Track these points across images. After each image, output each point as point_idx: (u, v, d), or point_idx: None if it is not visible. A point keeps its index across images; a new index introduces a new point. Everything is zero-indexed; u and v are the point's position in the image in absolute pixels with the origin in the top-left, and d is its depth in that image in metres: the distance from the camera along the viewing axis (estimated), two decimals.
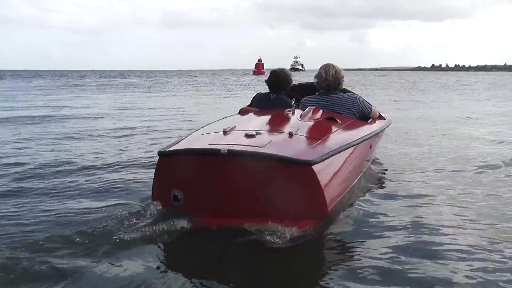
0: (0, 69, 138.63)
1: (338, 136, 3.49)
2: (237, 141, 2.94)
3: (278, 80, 4.82)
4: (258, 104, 4.80)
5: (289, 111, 3.94)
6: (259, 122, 3.82)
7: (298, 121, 3.66)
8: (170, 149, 3.12)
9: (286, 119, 3.78)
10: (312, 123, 3.66)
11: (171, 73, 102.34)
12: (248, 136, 3.06)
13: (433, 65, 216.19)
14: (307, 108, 3.99)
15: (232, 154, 2.73)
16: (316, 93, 4.41)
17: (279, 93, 4.80)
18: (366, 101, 4.50)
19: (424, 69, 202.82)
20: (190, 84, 37.05)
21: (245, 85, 35.06)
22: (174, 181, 3.01)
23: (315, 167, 2.73)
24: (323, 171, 2.88)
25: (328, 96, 4.28)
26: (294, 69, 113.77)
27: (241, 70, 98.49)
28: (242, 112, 4.47)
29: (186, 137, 3.53)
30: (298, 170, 2.74)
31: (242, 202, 2.86)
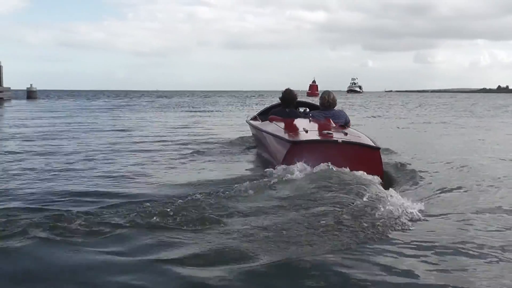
0: (72, 89, 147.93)
1: (357, 134, 6.04)
2: (330, 136, 5.40)
3: (290, 97, 7.35)
4: (277, 115, 7.09)
5: (310, 120, 6.49)
6: (309, 125, 6.06)
7: (330, 125, 6.20)
8: (295, 139, 5.54)
9: (323, 124, 6.25)
10: (338, 127, 6.18)
11: (231, 93, 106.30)
12: (328, 134, 5.47)
13: (499, 86, 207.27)
14: (324, 118, 6.53)
15: (344, 143, 5.28)
16: (320, 108, 6.86)
17: (291, 107, 7.31)
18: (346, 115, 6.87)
19: (490, 90, 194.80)
20: (240, 104, 38.17)
21: None
22: (299, 157, 5.10)
23: (380, 151, 5.47)
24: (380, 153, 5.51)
25: (330, 111, 6.68)
26: (351, 90, 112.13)
27: (296, 91, 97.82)
28: (272, 119, 6.96)
29: (282, 134, 6.03)
30: (374, 152, 5.36)
31: (343, 161, 5.00)
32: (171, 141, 10.02)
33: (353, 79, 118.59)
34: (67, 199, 4.52)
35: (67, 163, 6.86)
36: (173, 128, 13.92)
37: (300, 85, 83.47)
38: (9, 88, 43.60)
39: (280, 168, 5.10)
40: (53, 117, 19.72)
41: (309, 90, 78.31)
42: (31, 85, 47.56)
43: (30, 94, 46.43)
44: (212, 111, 26.59)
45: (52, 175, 5.90)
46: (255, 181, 4.77)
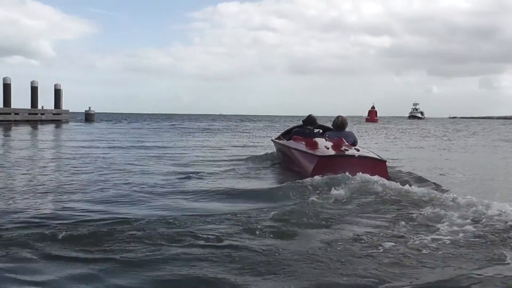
0: (137, 112, 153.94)
1: (367, 150, 7.65)
2: (348, 152, 6.81)
3: (311, 120, 8.92)
4: (298, 134, 8.67)
5: (326, 139, 7.74)
6: (327, 144, 7.37)
7: (343, 143, 7.32)
8: (321, 154, 6.86)
9: (337, 143, 7.40)
10: (349, 145, 7.32)
11: (294, 118, 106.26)
12: (346, 150, 6.91)
13: None
14: (337, 137, 7.72)
15: (359, 157, 6.67)
16: (333, 129, 8.43)
17: (311, 128, 8.84)
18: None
19: None
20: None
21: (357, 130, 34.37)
22: (323, 169, 6.32)
23: (386, 163, 6.90)
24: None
25: (341, 132, 8.13)
26: (412, 116, 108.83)
27: (356, 117, 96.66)
28: (296, 138, 8.52)
29: (309, 150, 7.27)
30: (382, 163, 6.73)
31: (358, 171, 6.06)
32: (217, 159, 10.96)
33: (414, 104, 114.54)
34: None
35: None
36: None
37: (361, 111, 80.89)
38: (68, 110, 44.95)
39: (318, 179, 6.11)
40: (95, 139, 19.38)
41: (368, 116, 75.65)
42: (89, 108, 48.71)
43: (88, 117, 47.48)
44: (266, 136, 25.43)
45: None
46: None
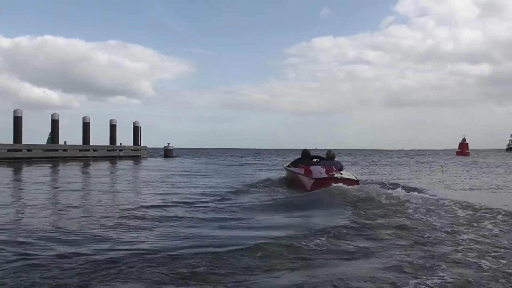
0: (240, 148, 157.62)
1: (348, 173, 11.61)
2: (334, 175, 10.63)
3: (307, 153, 13.80)
4: (301, 163, 12.87)
5: (321, 166, 11.70)
6: (321, 169, 11.20)
7: (332, 169, 11.06)
8: (316, 177, 10.70)
9: (328, 169, 11.07)
10: (337, 170, 11.16)
11: (387, 152, 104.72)
12: (333, 174, 10.72)
13: None
14: (329, 166, 11.48)
15: (341, 178, 10.54)
16: (325, 159, 12.72)
17: (307, 159, 13.27)
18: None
19: None
20: (385, 164, 34.50)
21: (441, 165, 32.23)
22: (318, 186, 10.13)
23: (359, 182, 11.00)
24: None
25: (332, 161, 12.13)
26: (510, 149, 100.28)
27: (450, 150, 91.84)
28: (300, 166, 12.80)
29: (310, 174, 11.29)
30: (356, 181, 10.66)
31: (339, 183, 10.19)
32: None
33: None
34: None
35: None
36: None
37: (454, 144, 75.36)
38: (146, 147, 46.05)
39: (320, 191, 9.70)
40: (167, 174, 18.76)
41: (458, 149, 70.13)
42: (168, 144, 49.73)
43: (167, 153, 48.37)
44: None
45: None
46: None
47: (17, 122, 32.23)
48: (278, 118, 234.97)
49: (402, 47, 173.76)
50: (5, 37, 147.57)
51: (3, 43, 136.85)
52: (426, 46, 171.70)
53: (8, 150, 30.50)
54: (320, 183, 10.30)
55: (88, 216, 7.53)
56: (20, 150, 31.42)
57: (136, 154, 43.14)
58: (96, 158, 36.34)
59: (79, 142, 37.66)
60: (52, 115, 35.98)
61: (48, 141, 37.46)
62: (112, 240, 5.61)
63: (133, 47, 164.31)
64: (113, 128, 40.56)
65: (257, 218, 7.36)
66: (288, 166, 14.47)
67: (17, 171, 21.80)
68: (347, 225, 6.39)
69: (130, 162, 33.21)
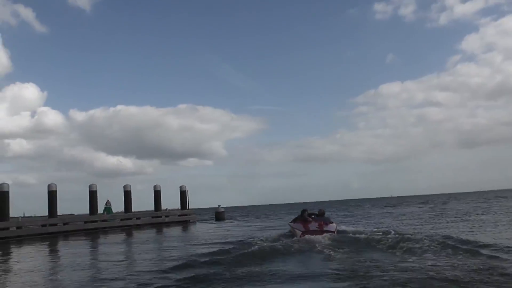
0: (308, 201, 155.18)
1: (332, 225, 17.07)
2: (322, 228, 16.24)
3: (305, 211, 18.26)
4: (300, 219, 17.85)
5: (315, 221, 17.05)
6: (312, 224, 16.72)
7: (322, 224, 16.68)
8: (303, 230, 16.17)
9: (318, 223, 16.68)
10: (324, 224, 16.74)
11: (469, 195, 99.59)
12: (318, 228, 16.27)
13: None
14: (319, 221, 17.07)
15: (322, 231, 15.97)
16: (317, 214, 18.27)
17: (305, 216, 17.82)
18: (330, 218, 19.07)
19: None
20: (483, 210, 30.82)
21: None
22: (307, 232, 16.03)
23: (336, 230, 16.68)
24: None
25: (322, 217, 17.78)
26: None
27: None
28: (301, 221, 17.51)
29: (298, 226, 16.97)
30: (333, 232, 16.10)
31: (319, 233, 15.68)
32: None
33: None
34: None
35: None
36: None
37: None
38: (192, 210, 44.83)
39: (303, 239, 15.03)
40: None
41: None
42: (219, 206, 48.26)
43: (218, 215, 46.90)
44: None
45: None
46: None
47: (92, 195, 34.73)
48: (351, 168, 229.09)
49: (471, 85, 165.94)
50: (80, 111, 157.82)
51: (78, 117, 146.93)
52: (495, 82, 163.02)
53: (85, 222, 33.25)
54: (307, 233, 15.65)
55: None
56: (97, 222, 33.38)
57: (184, 219, 42.05)
58: (140, 226, 35.59)
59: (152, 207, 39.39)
60: (125, 186, 37.53)
61: (108, 211, 37.66)
62: None
63: (203, 109, 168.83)
64: (157, 194, 40.02)
65: None
66: (291, 221, 19.21)
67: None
68: None
69: (178, 229, 32.02)
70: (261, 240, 15.96)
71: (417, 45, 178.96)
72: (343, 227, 19.09)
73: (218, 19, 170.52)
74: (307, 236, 15.10)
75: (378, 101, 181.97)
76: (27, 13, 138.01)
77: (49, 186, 31.56)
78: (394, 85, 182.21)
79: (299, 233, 15.98)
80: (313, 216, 18.00)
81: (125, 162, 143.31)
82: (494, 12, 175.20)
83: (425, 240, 12.27)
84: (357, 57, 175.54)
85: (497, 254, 9.96)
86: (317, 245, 13.31)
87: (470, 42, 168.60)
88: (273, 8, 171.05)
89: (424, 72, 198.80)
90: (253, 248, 13.05)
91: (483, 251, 10.37)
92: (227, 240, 18.24)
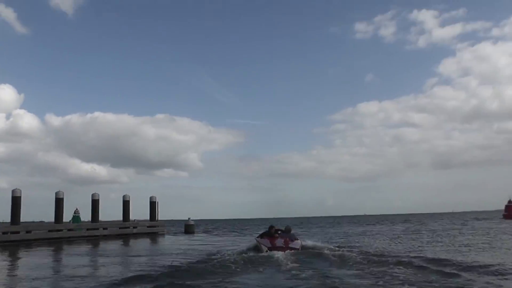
0: (289, 217, 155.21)
1: (298, 242, 17.88)
2: (287, 244, 16.96)
3: (272, 227, 18.86)
4: (266, 235, 18.50)
5: (282, 238, 17.78)
6: (277, 240, 17.33)
7: (287, 240, 17.32)
8: (269, 246, 16.88)
9: (284, 240, 17.38)
10: (289, 241, 17.41)
11: (441, 216, 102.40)
12: (284, 244, 16.90)
13: None
14: (285, 237, 17.81)
15: (286, 247, 16.68)
16: (283, 231, 19.09)
17: (272, 232, 18.49)
18: (295, 235, 20.28)
19: None
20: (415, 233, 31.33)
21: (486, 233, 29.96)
22: (273, 247, 16.85)
23: (300, 247, 17.57)
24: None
25: (288, 234, 18.56)
26: None
27: (494, 211, 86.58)
28: (268, 236, 18.15)
29: (265, 242, 17.66)
30: (298, 249, 16.82)
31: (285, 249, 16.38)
32: None
33: None
34: None
35: None
36: None
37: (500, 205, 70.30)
38: (163, 222, 44.31)
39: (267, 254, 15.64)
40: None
41: (505, 211, 64.59)
42: (188, 218, 47.86)
43: (187, 228, 46.49)
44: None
45: None
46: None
47: (58, 203, 33.81)
48: (326, 185, 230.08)
49: (447, 108, 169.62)
50: (56, 116, 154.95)
51: (54, 121, 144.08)
52: (470, 106, 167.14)
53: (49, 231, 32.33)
54: (274, 249, 16.21)
55: None
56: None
57: (153, 230, 41.50)
58: (107, 237, 35.01)
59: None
60: (93, 195, 36.75)
61: (76, 220, 36.81)
62: None
63: (180, 119, 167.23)
64: (125, 204, 39.44)
65: None
66: (257, 237, 19.56)
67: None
68: None
69: (145, 241, 31.60)
70: (225, 254, 16.07)
71: (396, 66, 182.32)
72: (309, 242, 19.50)
73: (201, 30, 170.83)
74: (273, 252, 15.66)
75: (356, 119, 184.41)
76: (7, 13, 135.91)
77: (13, 191, 30.75)
78: (371, 104, 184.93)
79: (265, 248, 16.56)
80: (279, 232, 18.70)
81: (99, 170, 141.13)
82: (471, 38, 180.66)
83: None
84: (337, 74, 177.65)
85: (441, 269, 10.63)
86: (280, 261, 13.67)
87: (447, 66, 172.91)
88: (254, 23, 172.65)
89: (402, 92, 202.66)
90: (214, 261, 13.05)
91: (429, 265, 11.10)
92: (190, 253, 18.23)
